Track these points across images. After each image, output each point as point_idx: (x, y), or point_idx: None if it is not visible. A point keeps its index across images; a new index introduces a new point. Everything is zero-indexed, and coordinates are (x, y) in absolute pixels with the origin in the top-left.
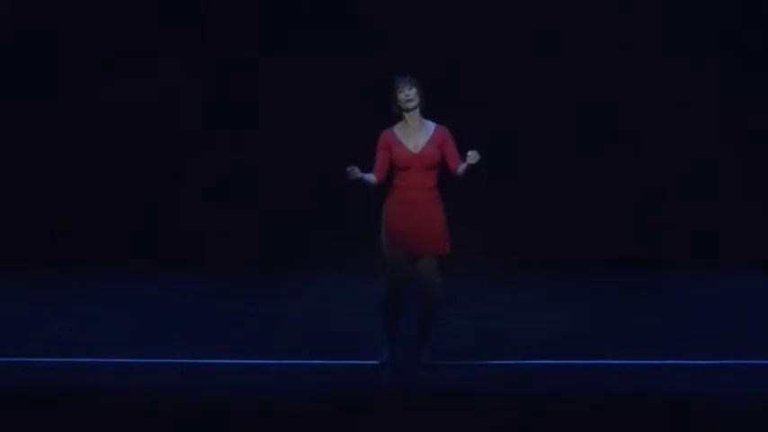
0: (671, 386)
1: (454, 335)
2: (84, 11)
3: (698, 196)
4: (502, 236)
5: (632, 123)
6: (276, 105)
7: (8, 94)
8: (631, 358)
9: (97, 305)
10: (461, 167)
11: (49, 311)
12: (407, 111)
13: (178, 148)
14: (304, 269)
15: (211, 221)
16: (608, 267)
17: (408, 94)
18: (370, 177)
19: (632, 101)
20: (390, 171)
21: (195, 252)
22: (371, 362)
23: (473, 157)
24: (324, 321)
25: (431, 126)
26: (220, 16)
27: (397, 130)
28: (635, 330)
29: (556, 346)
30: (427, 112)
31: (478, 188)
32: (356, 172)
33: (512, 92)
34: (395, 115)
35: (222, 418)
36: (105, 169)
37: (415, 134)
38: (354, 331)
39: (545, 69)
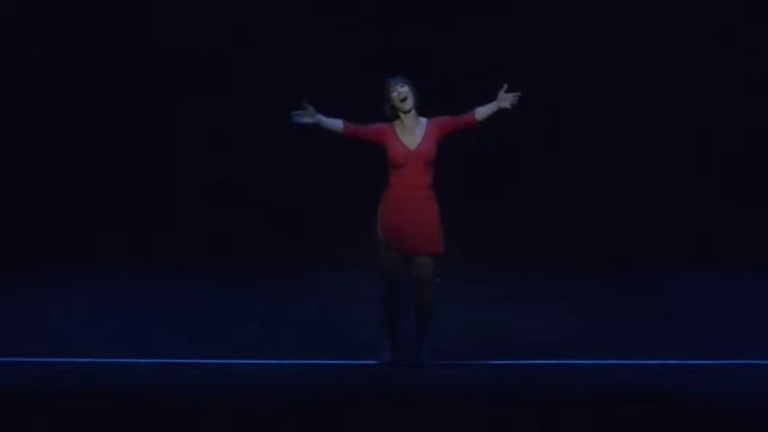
0: (671, 386)
1: (454, 335)
2: (85, 10)
3: (698, 196)
4: (502, 235)
5: (632, 123)
6: (276, 104)
7: (8, 94)
8: (631, 358)
9: (97, 305)
10: (481, 112)
11: (49, 311)
12: (403, 110)
13: (178, 148)
14: (304, 269)
15: (211, 221)
16: (608, 267)
17: (401, 92)
18: (335, 123)
19: (632, 100)
20: (385, 169)
21: (195, 252)
22: (371, 362)
23: (506, 99)
24: (324, 321)
25: (423, 122)
26: (220, 16)
27: (396, 127)
28: (635, 330)
29: (556, 346)
30: (426, 112)
31: (479, 188)
32: (310, 110)
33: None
34: (389, 117)
35: (222, 418)
36: (105, 169)
37: (412, 132)
38: (354, 331)
39: (545, 69)
